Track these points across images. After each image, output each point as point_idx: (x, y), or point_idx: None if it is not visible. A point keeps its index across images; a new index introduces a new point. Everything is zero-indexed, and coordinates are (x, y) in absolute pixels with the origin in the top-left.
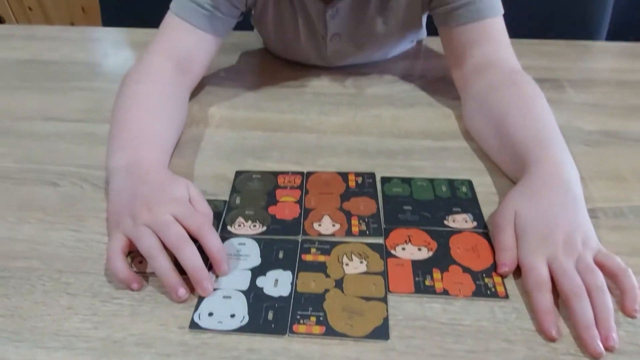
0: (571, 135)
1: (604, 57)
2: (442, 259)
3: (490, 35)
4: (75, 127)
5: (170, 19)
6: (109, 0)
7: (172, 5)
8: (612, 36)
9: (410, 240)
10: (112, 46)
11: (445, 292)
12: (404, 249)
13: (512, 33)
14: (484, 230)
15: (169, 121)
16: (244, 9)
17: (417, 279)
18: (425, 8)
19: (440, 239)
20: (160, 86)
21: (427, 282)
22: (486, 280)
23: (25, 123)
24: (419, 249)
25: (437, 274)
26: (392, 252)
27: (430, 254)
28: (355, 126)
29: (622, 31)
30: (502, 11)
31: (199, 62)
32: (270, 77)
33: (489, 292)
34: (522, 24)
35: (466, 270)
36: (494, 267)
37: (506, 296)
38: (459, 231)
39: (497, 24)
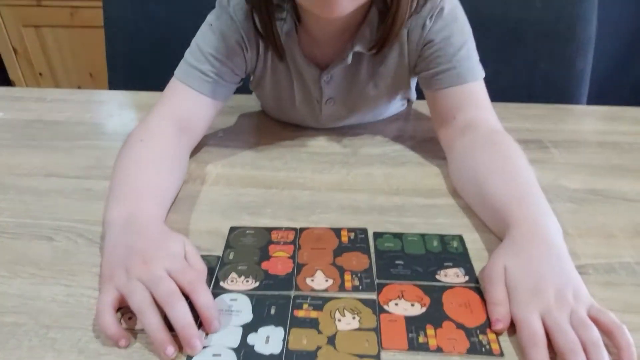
0: (557, 193)
1: (586, 119)
2: (435, 315)
3: (472, 98)
4: (75, 183)
5: (174, 84)
6: (116, 66)
7: (176, 71)
8: (593, 99)
9: (403, 296)
10: (117, 108)
11: (439, 350)
12: (397, 304)
13: (497, 97)
14: (476, 284)
15: (169, 177)
16: (244, 76)
17: (410, 335)
18: (411, 72)
19: (433, 294)
20: (161, 145)
21: (421, 339)
22: (480, 337)
23: (27, 179)
24: (412, 305)
25: (430, 330)
26: (385, 307)
27: (424, 309)
28: (348, 184)
29: (602, 94)
30: (482, 75)
31: (199, 124)
32: (267, 137)
33: (483, 349)
34: (506, 89)
35: (460, 326)
36: (488, 323)
37: (501, 354)
38: (451, 286)
39: (478, 88)
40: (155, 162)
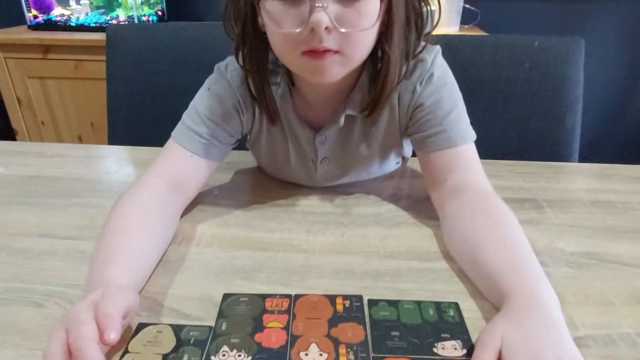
0: (554, 257)
1: (578, 177)
2: None
3: (463, 161)
4: (68, 245)
5: (170, 145)
6: (117, 120)
7: (173, 132)
8: (584, 153)
9: None
10: (115, 164)
11: None
12: None
13: (490, 154)
14: None
15: (155, 240)
16: (239, 137)
17: None
18: (403, 134)
19: None
20: (151, 206)
21: None
22: None
23: (20, 239)
24: None
25: None
26: None
27: None
28: (343, 246)
29: (592, 149)
30: (473, 137)
31: (193, 185)
32: (262, 195)
33: None
34: (498, 145)
35: None
36: None
37: None
38: None
39: (469, 151)
40: (142, 225)
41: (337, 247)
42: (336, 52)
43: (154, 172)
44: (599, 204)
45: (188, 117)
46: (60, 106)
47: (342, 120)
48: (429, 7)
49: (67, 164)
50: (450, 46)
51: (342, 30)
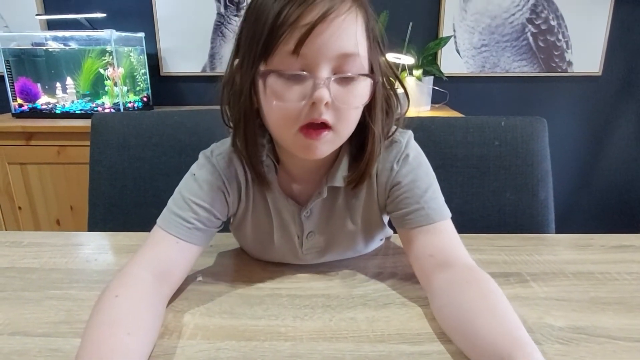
0: (544, 333)
1: (557, 249)
2: None
3: (445, 236)
4: (41, 343)
5: (156, 232)
6: (98, 204)
7: (159, 220)
8: (559, 224)
9: None
10: (94, 251)
11: None
12: None
13: (469, 227)
14: None
15: (142, 336)
16: (225, 219)
17: None
18: (382, 211)
19: None
20: (137, 300)
21: None
22: None
23: None
24: None
25: None
26: None
27: None
28: (331, 331)
29: (566, 219)
30: (449, 215)
31: (179, 272)
32: (246, 279)
33: None
34: (477, 218)
35: None
36: None
37: None
38: None
39: (447, 226)
40: (128, 321)
41: (326, 333)
42: (329, 128)
43: (140, 262)
44: (580, 275)
45: (173, 203)
46: (39, 191)
47: (325, 191)
48: (396, 93)
49: (43, 253)
50: (424, 127)
51: (340, 105)
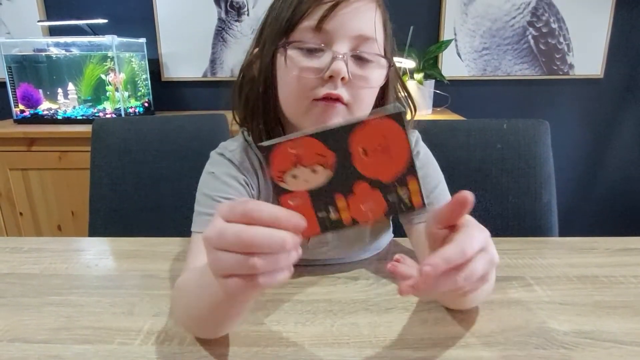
0: (548, 337)
1: (560, 252)
2: (344, 178)
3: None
4: (40, 350)
5: (195, 240)
6: (99, 209)
7: (193, 227)
8: (562, 227)
9: (300, 161)
10: (94, 257)
11: (355, 222)
12: (294, 176)
13: None
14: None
15: None
16: None
17: (320, 214)
18: None
19: (337, 144)
20: None
21: (333, 215)
22: (400, 191)
23: None
24: (314, 170)
25: (341, 201)
26: (282, 185)
27: (329, 173)
28: (333, 337)
29: (569, 222)
30: None
31: None
32: None
33: (403, 206)
34: (480, 222)
35: (375, 184)
36: (410, 167)
37: (423, 205)
38: (363, 122)
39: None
40: None
41: (328, 338)
42: (344, 104)
43: (190, 269)
44: (585, 278)
45: (200, 206)
46: (40, 196)
47: None
48: (408, 90)
49: (43, 259)
50: (426, 130)
51: (356, 82)
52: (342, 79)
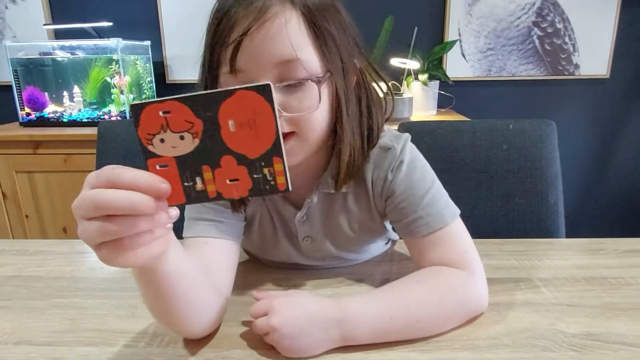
0: (556, 340)
1: (567, 253)
2: (211, 149)
3: (443, 242)
4: (45, 352)
5: (187, 244)
6: None
7: (184, 234)
8: (569, 229)
9: (168, 126)
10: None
11: (219, 196)
12: (162, 140)
13: (477, 231)
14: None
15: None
16: (244, 212)
17: (186, 184)
18: (383, 219)
19: (206, 114)
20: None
21: (198, 186)
22: (265, 170)
23: None
24: (182, 137)
25: (208, 173)
26: (150, 148)
27: (197, 143)
28: None
29: (576, 223)
30: (454, 214)
31: (221, 268)
32: (252, 287)
33: (267, 186)
34: (485, 223)
35: (241, 160)
36: (276, 148)
37: (287, 188)
38: (231, 92)
39: (449, 231)
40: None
41: None
42: (290, 133)
43: None
44: (593, 280)
45: (190, 211)
46: (46, 199)
47: (315, 197)
48: (382, 95)
49: (49, 261)
50: (430, 131)
51: (285, 114)
52: None
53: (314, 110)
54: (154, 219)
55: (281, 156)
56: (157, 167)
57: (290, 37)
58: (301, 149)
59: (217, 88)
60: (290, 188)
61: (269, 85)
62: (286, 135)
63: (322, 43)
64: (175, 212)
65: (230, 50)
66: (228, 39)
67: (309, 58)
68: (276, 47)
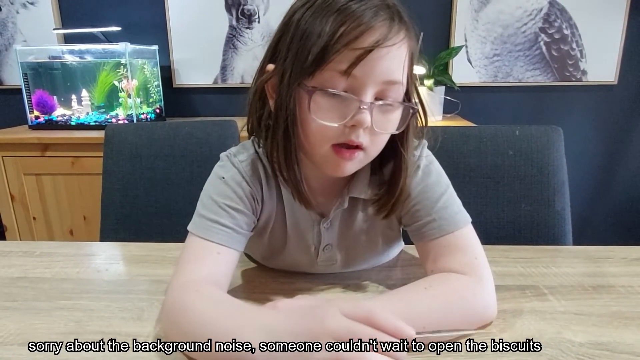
0: (563, 348)
1: (575, 261)
2: None
3: (454, 247)
4: (50, 354)
5: (195, 242)
6: (110, 215)
7: (192, 226)
8: (576, 235)
9: None
10: (105, 261)
11: None
12: None
13: (484, 237)
14: None
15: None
16: (254, 225)
17: None
18: (400, 223)
19: None
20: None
21: None
22: None
23: None
24: None
25: None
26: None
27: None
28: None
29: (584, 230)
30: (466, 220)
31: (225, 279)
32: (257, 291)
33: None
34: (492, 229)
35: None
36: None
37: None
38: None
39: (461, 236)
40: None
41: None
42: (362, 149)
43: (190, 277)
44: (600, 288)
45: (206, 209)
46: (53, 201)
47: (346, 201)
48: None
49: (55, 263)
50: (436, 137)
51: (377, 130)
52: (365, 127)
53: (398, 131)
54: None
55: None
56: None
57: (404, 63)
58: (361, 163)
59: (300, 80)
60: None
61: None
62: (356, 147)
63: (411, 72)
64: None
65: (357, 54)
66: (357, 43)
67: (404, 83)
68: (393, 67)
